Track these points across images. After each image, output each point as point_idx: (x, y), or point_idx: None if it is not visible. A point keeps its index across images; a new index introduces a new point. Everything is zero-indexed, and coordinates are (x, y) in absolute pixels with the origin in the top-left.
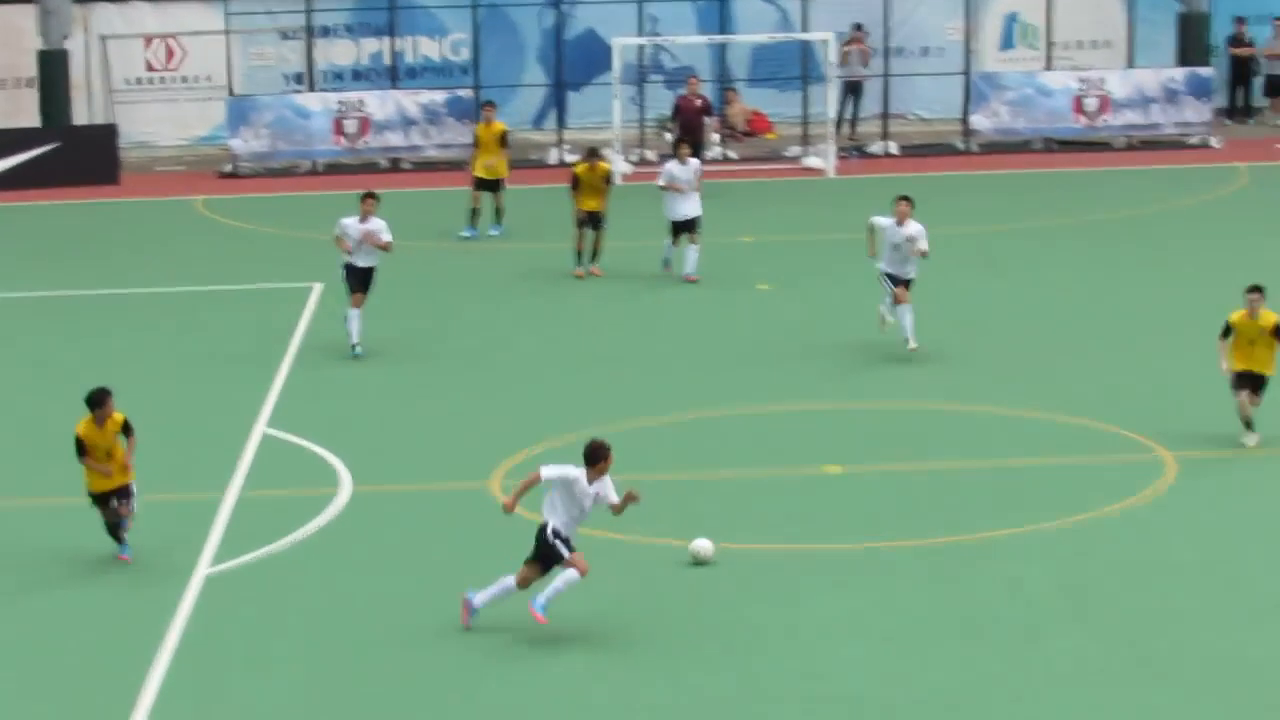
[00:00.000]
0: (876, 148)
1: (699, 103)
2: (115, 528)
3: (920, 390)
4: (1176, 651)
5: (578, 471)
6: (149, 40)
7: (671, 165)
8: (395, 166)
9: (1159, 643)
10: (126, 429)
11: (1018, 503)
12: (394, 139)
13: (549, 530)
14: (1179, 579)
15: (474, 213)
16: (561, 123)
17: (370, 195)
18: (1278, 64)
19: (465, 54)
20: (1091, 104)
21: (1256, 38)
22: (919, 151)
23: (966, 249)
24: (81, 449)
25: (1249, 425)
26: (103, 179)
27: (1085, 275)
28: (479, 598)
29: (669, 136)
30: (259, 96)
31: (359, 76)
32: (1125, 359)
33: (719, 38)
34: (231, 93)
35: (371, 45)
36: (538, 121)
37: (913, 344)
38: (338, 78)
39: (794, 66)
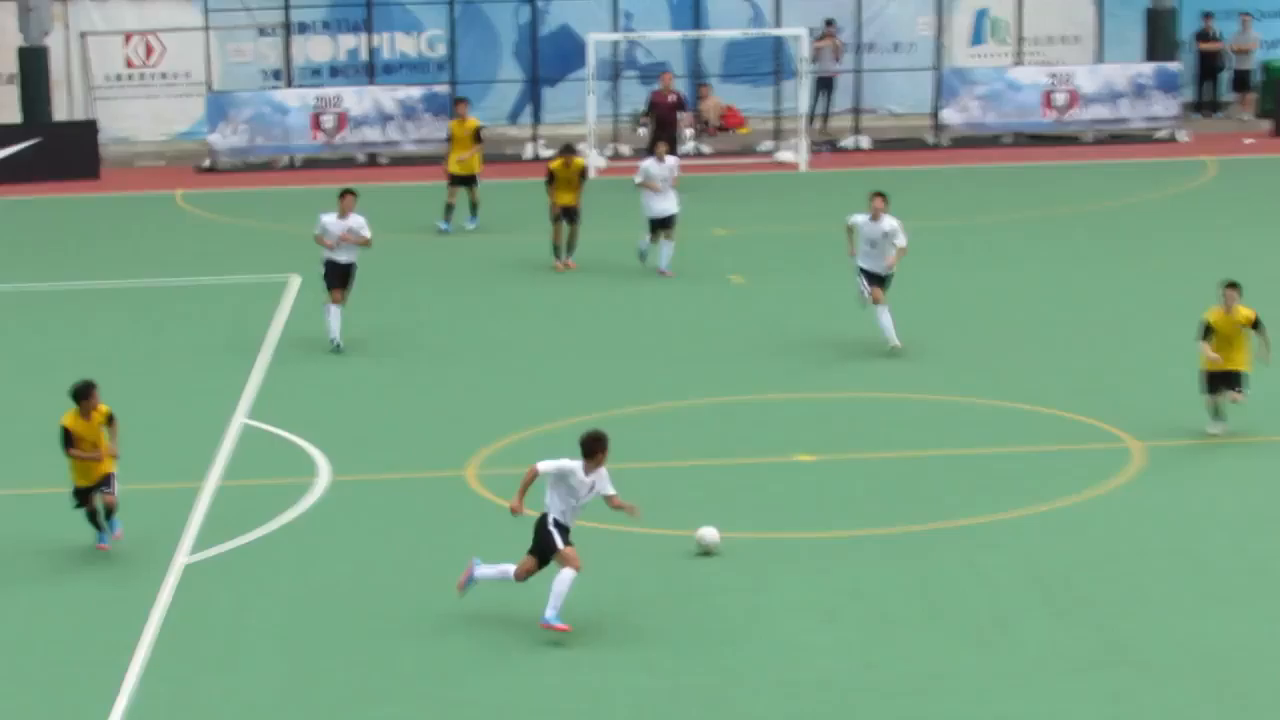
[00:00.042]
0: (848, 142)
1: (673, 98)
2: (94, 516)
3: (891, 380)
4: (1144, 637)
5: (575, 463)
6: (129, 37)
7: (649, 163)
8: (372, 161)
9: (1127, 628)
10: (109, 420)
11: (987, 491)
12: (371, 134)
13: (549, 520)
14: (1146, 566)
15: (450, 208)
16: (537, 118)
17: (349, 192)
18: (1245, 58)
19: (441, 50)
20: (1060, 99)
21: (1224, 32)
22: (890, 146)
23: (937, 242)
24: (69, 441)
25: (1217, 415)
26: (83, 174)
27: (1054, 268)
28: (481, 570)
29: (643, 131)
30: (237, 92)
31: (336, 73)
32: (1093, 350)
33: (692, 33)
34: (210, 89)
35: (349, 41)
36: (513, 117)
37: (895, 343)
38: (315, 74)
39: (767, 62)
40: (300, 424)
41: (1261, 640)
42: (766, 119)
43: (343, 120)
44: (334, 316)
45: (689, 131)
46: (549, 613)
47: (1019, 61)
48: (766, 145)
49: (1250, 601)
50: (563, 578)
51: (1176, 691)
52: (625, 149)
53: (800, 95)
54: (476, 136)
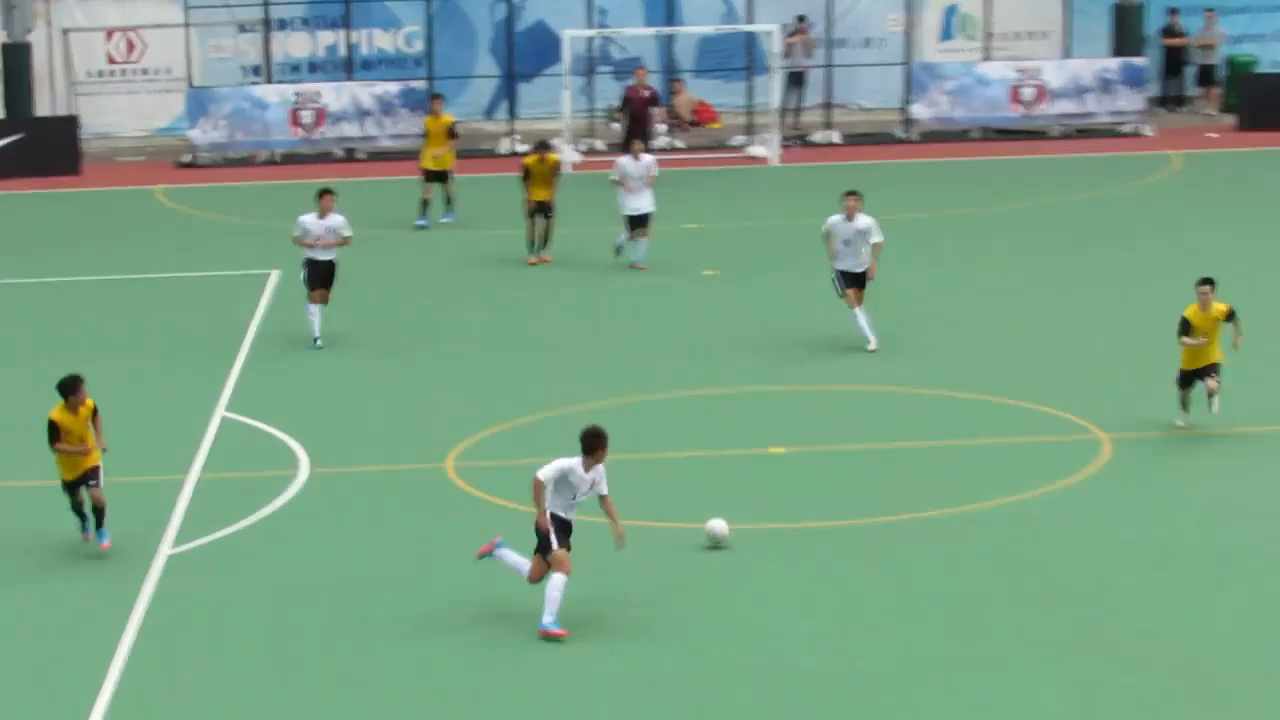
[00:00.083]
0: (819, 137)
1: (646, 93)
2: (80, 507)
3: (862, 374)
4: (1113, 625)
5: (573, 461)
6: (110, 34)
7: (625, 160)
8: (350, 156)
9: (1096, 617)
10: (94, 414)
11: (957, 482)
12: (349, 129)
13: (549, 517)
14: (1114, 555)
15: (425, 203)
16: (513, 113)
17: (327, 191)
18: (1209, 54)
19: (419, 46)
20: (1028, 93)
21: (1189, 28)
22: (860, 140)
23: (906, 236)
24: (55, 435)
25: (1185, 407)
26: (65, 169)
27: (1022, 261)
28: (503, 552)
29: (617, 126)
30: (217, 88)
31: (315, 68)
32: (1061, 342)
33: (666, 29)
34: (190, 84)
35: (327, 38)
36: (489, 112)
37: (872, 345)
38: (294, 70)
39: (739, 58)
40: (280, 417)
41: (1228, 629)
42: (739, 114)
43: (321, 116)
44: (315, 315)
45: (662, 126)
46: (546, 619)
47: (987, 57)
48: (739, 140)
49: (1217, 590)
50: (554, 583)
51: (1145, 679)
52: (600, 144)
53: (772, 90)
54: (451, 132)
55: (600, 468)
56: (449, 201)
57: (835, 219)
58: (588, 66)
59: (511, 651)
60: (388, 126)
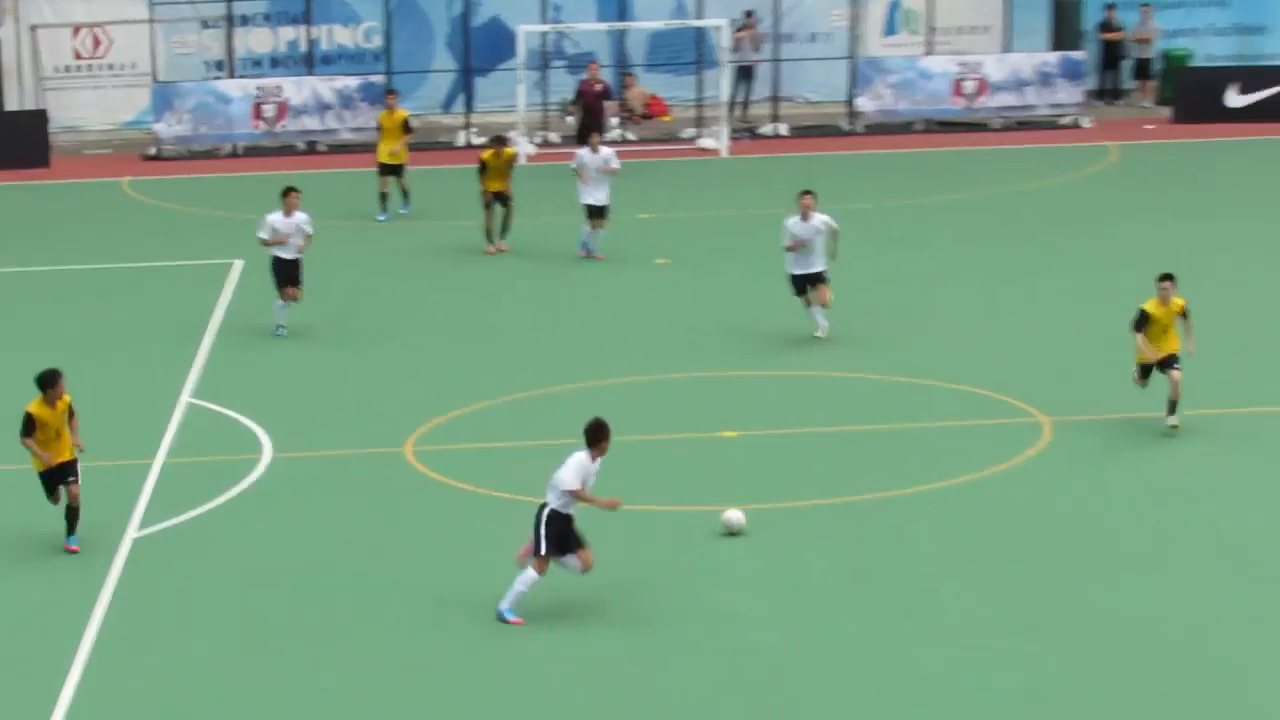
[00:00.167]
0: (767, 129)
1: (599, 87)
2: (54, 492)
3: (812, 359)
4: (1056, 603)
5: (583, 457)
6: (77, 29)
7: (583, 152)
8: (311, 149)
9: (1040, 595)
10: (70, 412)
11: (906, 465)
12: (310, 123)
13: (544, 514)
14: (1055, 535)
15: (384, 197)
16: (469, 106)
17: (293, 189)
18: (1146, 48)
19: (377, 41)
20: (970, 86)
21: (1125, 22)
22: (807, 133)
23: (852, 225)
24: (31, 427)
25: (1174, 409)
26: (34, 162)
27: (964, 250)
28: (519, 588)
29: (570, 120)
30: (182, 83)
31: (277, 63)
32: (1003, 329)
33: (618, 25)
34: (156, 79)
35: (288, 33)
36: (447, 105)
37: (820, 331)
38: (256, 65)
39: (689, 52)
40: (244, 403)
41: (1165, 605)
42: (689, 107)
43: (283, 109)
44: (283, 311)
45: (614, 119)
46: (504, 605)
47: (930, 51)
48: (689, 132)
49: (1154, 568)
50: (525, 576)
51: (1085, 656)
52: (554, 137)
53: (721, 84)
54: (405, 127)
55: (598, 460)
56: (405, 194)
57: (792, 221)
58: (542, 61)
59: (472, 632)
60: (348, 120)
